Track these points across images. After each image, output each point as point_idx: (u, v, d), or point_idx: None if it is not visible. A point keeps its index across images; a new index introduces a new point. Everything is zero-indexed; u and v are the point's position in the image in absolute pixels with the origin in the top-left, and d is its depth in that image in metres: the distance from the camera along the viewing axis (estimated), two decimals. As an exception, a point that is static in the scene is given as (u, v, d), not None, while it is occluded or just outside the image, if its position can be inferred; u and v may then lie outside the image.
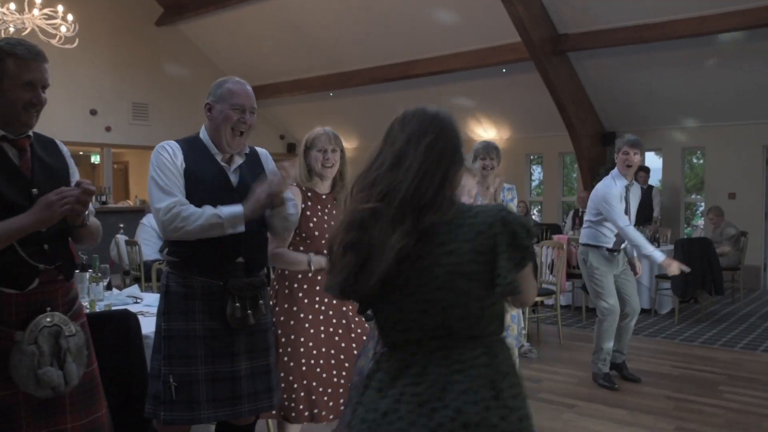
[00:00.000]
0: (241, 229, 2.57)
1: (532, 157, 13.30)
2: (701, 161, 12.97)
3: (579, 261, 5.45)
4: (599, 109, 11.28)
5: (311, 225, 3.15)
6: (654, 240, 8.73)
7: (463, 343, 1.62)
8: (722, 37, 9.01)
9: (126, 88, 12.94)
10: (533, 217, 13.50)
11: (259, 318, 2.72)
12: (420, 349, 1.64)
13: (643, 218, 9.82)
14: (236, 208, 2.56)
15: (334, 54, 12.43)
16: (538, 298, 6.60)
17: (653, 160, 12.00)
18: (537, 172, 14.35)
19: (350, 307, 3.20)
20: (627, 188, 5.13)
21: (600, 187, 5.19)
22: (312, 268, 3.06)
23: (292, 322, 3.11)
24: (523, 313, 6.33)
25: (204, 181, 2.66)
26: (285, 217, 2.77)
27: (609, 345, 5.23)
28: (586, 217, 5.38)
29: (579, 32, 9.91)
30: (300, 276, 3.14)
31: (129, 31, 12.87)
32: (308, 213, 3.16)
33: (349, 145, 15.23)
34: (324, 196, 3.26)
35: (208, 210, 2.55)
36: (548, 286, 6.80)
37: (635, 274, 5.39)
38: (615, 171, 5.16)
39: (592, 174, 10.85)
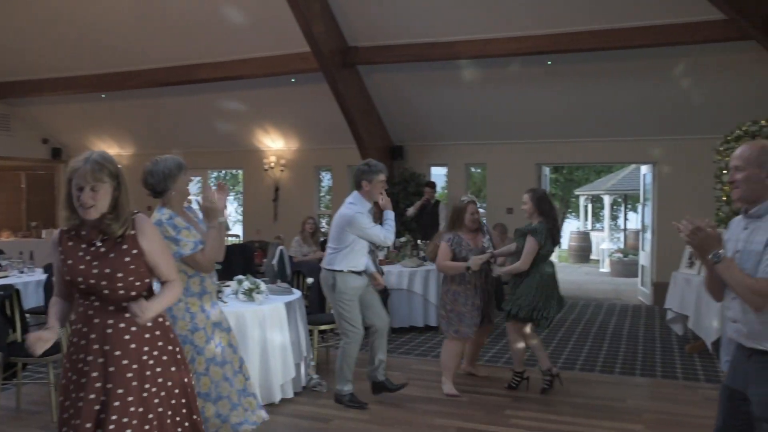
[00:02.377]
0: None
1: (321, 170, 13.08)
2: (479, 170, 13.70)
3: (324, 285, 5.31)
4: (388, 123, 11.33)
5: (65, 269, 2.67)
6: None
7: None
8: (503, 60, 9.39)
9: None
10: (322, 230, 13.28)
11: None
12: None
13: (430, 233, 9.96)
14: None
15: (108, 51, 11.18)
16: (327, 326, 6.25)
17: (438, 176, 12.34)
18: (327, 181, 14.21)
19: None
20: (369, 212, 5.20)
21: (345, 212, 5.12)
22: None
23: None
24: (312, 341, 5.96)
25: None
26: None
27: (353, 367, 5.24)
28: (330, 243, 5.23)
29: (369, 46, 9.84)
30: None
31: None
32: (62, 257, 2.67)
33: (124, 152, 13.95)
34: (84, 233, 2.67)
35: None
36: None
37: (378, 285, 5.43)
38: (359, 197, 5.15)
39: (381, 188, 10.81)
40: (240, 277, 5.43)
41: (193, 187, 11.80)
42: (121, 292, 2.63)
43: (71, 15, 10.57)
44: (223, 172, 22.90)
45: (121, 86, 11.69)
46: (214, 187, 3.62)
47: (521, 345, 5.68)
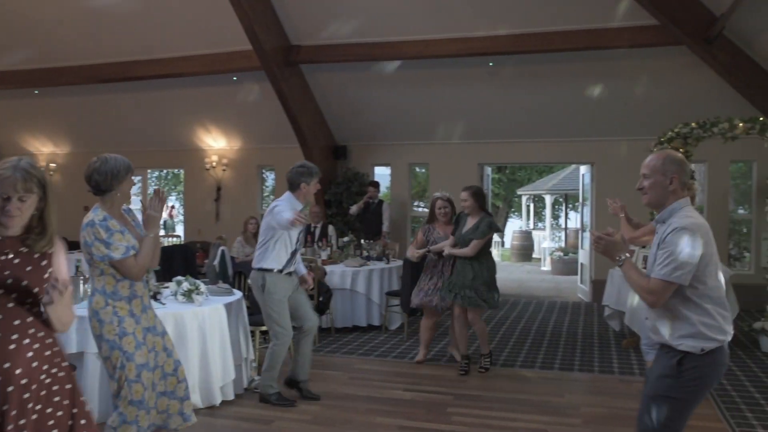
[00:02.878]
0: None
1: (264, 169, 12.95)
2: (423, 170, 13.76)
3: (253, 285, 5.31)
4: (331, 123, 11.28)
5: None
6: (384, 255, 8.86)
7: None
8: (446, 61, 9.46)
9: None
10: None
11: None
12: None
13: (374, 232, 9.98)
14: None
15: (40, 45, 10.79)
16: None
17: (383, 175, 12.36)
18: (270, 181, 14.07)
19: None
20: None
21: (271, 207, 5.19)
22: None
23: None
24: (254, 342, 5.89)
25: None
26: None
27: (279, 369, 5.28)
28: (259, 240, 5.26)
29: (312, 45, 9.79)
30: None
31: None
32: None
33: (60, 150, 13.53)
34: (3, 240, 2.47)
35: None
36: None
37: (308, 286, 5.50)
38: (290, 197, 5.19)
39: (324, 187, 10.77)
40: (179, 278, 5.32)
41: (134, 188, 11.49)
42: (29, 307, 2.47)
43: (1, 8, 10.18)
44: (164, 171, 22.49)
45: (54, 82, 11.30)
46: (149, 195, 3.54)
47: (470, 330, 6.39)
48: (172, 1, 9.51)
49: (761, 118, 7.56)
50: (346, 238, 9.34)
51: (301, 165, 5.28)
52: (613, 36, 8.57)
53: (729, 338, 2.80)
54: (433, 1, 8.81)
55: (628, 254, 2.84)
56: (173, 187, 24.70)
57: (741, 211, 12.29)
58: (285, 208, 5.05)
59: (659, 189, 2.88)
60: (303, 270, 5.44)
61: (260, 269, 5.16)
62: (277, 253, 5.13)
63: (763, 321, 7.35)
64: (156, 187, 3.62)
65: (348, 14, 9.20)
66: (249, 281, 5.44)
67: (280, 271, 5.15)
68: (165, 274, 6.44)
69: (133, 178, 3.55)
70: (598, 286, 9.66)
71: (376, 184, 10.49)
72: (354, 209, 10.30)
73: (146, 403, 3.42)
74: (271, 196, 15.45)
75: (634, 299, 6.87)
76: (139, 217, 3.62)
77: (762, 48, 8.15)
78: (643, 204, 2.95)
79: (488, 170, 12.02)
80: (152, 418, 3.49)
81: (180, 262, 8.96)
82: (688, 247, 2.69)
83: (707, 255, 2.74)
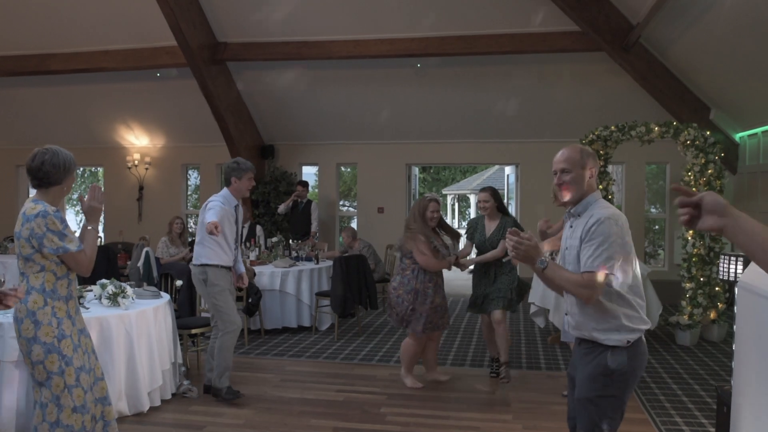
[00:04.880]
0: None
1: (189, 168, 12.65)
2: (348, 170, 13.78)
3: (195, 281, 5.41)
4: (258, 122, 11.14)
5: None
6: (313, 256, 8.81)
7: None
8: (374, 61, 9.50)
9: None
10: (190, 228, 12.86)
11: None
12: None
13: (302, 233, 9.92)
14: None
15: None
16: (197, 330, 6.05)
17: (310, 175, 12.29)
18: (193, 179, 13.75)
19: None
20: (236, 208, 5.38)
21: (208, 202, 5.31)
22: None
23: None
24: (182, 345, 5.76)
25: None
26: None
27: (231, 357, 5.35)
28: (198, 237, 5.36)
29: (239, 42, 9.64)
30: None
31: None
32: None
33: (-32, 146, 12.81)
34: None
35: None
36: (207, 314, 6.28)
37: (243, 284, 5.54)
38: (226, 192, 5.34)
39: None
40: (104, 281, 5.13)
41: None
42: None
43: None
44: (81, 169, 21.62)
45: (-38, 75, 10.72)
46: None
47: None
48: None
49: (675, 123, 7.93)
50: (274, 239, 9.24)
51: (233, 161, 5.44)
52: (536, 40, 8.82)
53: (649, 327, 2.81)
54: (361, 1, 8.83)
55: (547, 256, 2.76)
56: (89, 185, 23.79)
57: (654, 210, 12.88)
58: (216, 205, 5.19)
59: (580, 183, 2.80)
60: (242, 268, 5.50)
61: (201, 265, 5.26)
62: (216, 248, 5.23)
63: (677, 315, 7.72)
64: (93, 184, 3.49)
65: (276, 12, 9.11)
66: (192, 278, 5.48)
67: (221, 266, 5.26)
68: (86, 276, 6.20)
69: (74, 173, 3.45)
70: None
71: (305, 184, 10.42)
72: (282, 208, 10.20)
73: (88, 407, 3.30)
74: (195, 195, 15.15)
75: (560, 296, 7.08)
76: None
77: (675, 57, 8.55)
78: (565, 201, 2.82)
79: (416, 170, 12.14)
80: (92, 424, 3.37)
81: (101, 264, 8.63)
82: (615, 237, 2.65)
83: (629, 244, 2.73)
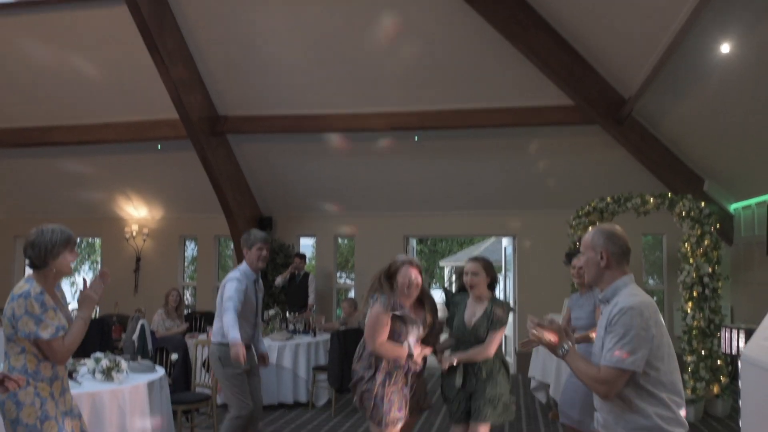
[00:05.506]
0: None
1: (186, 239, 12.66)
2: (345, 241, 13.77)
3: (212, 360, 5.28)
4: (257, 193, 11.22)
5: None
6: (310, 328, 8.71)
7: None
8: (372, 134, 9.65)
9: None
10: (186, 301, 12.76)
11: None
12: None
13: (299, 305, 9.84)
14: None
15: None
16: (193, 405, 5.91)
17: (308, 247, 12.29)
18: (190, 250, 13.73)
19: None
20: (255, 283, 5.29)
21: (225, 284, 5.22)
22: None
23: None
24: (176, 422, 5.62)
25: None
26: None
27: None
28: (218, 313, 5.25)
29: (239, 115, 9.80)
30: None
31: None
32: None
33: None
34: None
35: None
36: (203, 389, 6.16)
37: (264, 365, 5.45)
38: (244, 266, 5.27)
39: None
40: (98, 354, 5.05)
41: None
42: None
43: None
44: (79, 239, 21.65)
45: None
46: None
47: None
48: (97, 66, 9.37)
49: (669, 195, 8.01)
50: (271, 311, 9.15)
51: (246, 232, 5.46)
52: (531, 114, 8.99)
53: (685, 431, 2.57)
54: (360, 76, 9.04)
55: (570, 343, 2.63)
56: (87, 256, 23.75)
57: (652, 282, 12.84)
58: (233, 278, 5.15)
59: (592, 266, 2.68)
60: (264, 347, 5.37)
61: (219, 344, 5.11)
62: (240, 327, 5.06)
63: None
64: (104, 269, 3.44)
65: (276, 86, 9.31)
66: (209, 355, 5.38)
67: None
68: (79, 349, 6.09)
69: (74, 253, 3.35)
70: (523, 358, 9.77)
71: (303, 257, 10.41)
72: (279, 281, 10.14)
73: None
74: (192, 267, 15.09)
75: (560, 371, 6.97)
76: (67, 291, 3.44)
77: (667, 129, 8.71)
78: (586, 284, 2.77)
79: (413, 242, 12.16)
80: None
81: (95, 337, 8.51)
82: (638, 330, 2.48)
83: (657, 336, 2.53)
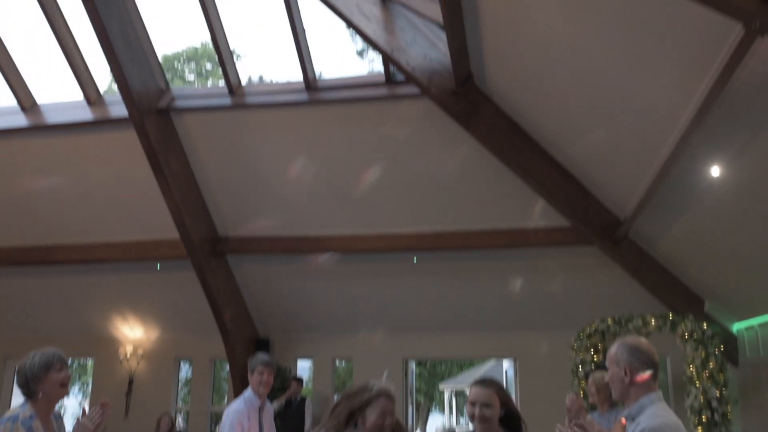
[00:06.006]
0: None
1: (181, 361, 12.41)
2: (343, 363, 13.50)
3: None
4: (255, 314, 11.12)
5: None
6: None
7: None
8: (371, 256, 9.72)
9: None
10: (178, 426, 12.31)
11: None
12: None
13: (295, 431, 9.51)
14: None
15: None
16: None
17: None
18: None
19: None
20: (260, 409, 5.06)
21: (229, 409, 5.04)
22: None
23: None
24: None
25: None
26: None
27: None
28: None
29: (239, 236, 9.90)
30: None
31: None
32: None
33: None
34: None
35: None
36: None
37: None
38: (249, 392, 5.05)
39: (244, 382, 10.33)
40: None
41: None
42: None
43: None
44: (70, 360, 21.20)
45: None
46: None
47: None
48: (98, 186, 9.57)
49: (671, 315, 7.95)
50: (266, 437, 8.82)
51: (252, 355, 5.34)
52: (529, 235, 9.08)
53: None
54: (359, 198, 9.22)
55: None
56: (78, 377, 23.19)
57: (659, 407, 12.47)
58: (234, 405, 4.98)
59: (617, 381, 2.61)
60: None
61: None
62: None
63: None
64: (105, 400, 3.35)
65: (276, 208, 9.48)
66: None
67: None
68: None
69: (63, 375, 3.25)
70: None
71: (300, 380, 10.19)
72: (275, 406, 9.83)
73: None
74: (185, 389, 14.70)
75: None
76: (68, 425, 3.30)
77: (664, 250, 8.77)
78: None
79: (413, 365, 11.91)
80: None
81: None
82: None
83: None
